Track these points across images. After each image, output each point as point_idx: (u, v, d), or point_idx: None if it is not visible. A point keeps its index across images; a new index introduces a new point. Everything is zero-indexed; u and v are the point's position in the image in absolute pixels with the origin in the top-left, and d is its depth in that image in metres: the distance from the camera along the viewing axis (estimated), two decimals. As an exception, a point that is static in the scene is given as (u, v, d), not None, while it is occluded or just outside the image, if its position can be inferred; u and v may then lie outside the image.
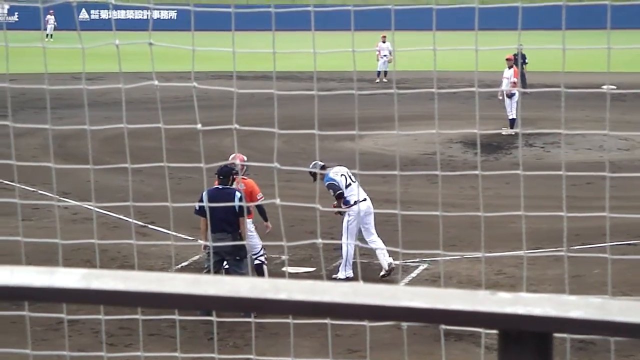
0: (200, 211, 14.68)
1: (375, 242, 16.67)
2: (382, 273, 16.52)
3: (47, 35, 71.67)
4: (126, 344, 12.61)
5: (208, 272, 15.21)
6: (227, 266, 15.25)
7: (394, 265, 16.43)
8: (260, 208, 16.10)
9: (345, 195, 16.59)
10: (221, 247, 14.55)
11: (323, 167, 16.59)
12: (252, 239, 15.99)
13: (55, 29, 72.10)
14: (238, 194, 15.09)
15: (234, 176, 15.31)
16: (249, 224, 15.99)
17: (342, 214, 16.72)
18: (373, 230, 16.87)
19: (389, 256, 16.51)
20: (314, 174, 16.20)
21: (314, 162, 16.63)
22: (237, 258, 15.09)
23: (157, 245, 17.32)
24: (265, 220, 16.12)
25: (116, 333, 12.99)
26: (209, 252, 15.27)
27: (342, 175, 16.75)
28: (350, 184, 16.57)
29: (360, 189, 16.86)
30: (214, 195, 14.90)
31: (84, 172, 21.66)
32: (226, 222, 14.76)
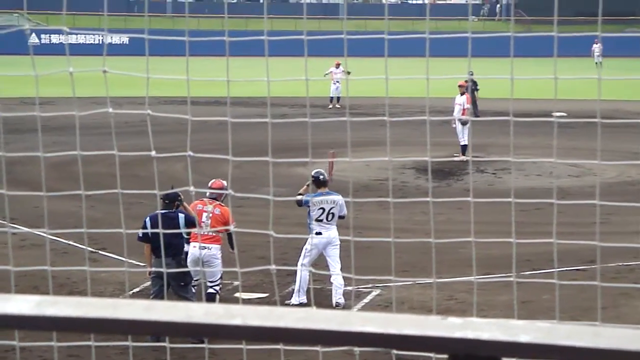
0: (144, 237, 14.79)
1: (335, 276, 16.49)
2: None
3: None
4: (76, 371, 12.50)
5: (154, 298, 15.17)
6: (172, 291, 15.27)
7: (341, 307, 16.37)
8: (230, 237, 16.12)
9: (310, 224, 16.50)
10: (166, 272, 14.56)
11: (325, 180, 16.75)
12: (217, 265, 15.99)
13: None
14: (182, 216, 15.16)
15: (178, 202, 15.43)
16: (217, 250, 16.05)
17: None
18: (336, 263, 16.62)
19: (341, 297, 16.48)
20: (315, 180, 16.51)
21: (317, 170, 16.84)
22: (182, 284, 15.10)
23: (107, 271, 17.22)
24: (232, 248, 16.08)
25: (66, 360, 12.89)
26: (153, 277, 15.28)
27: (320, 208, 16.58)
28: (321, 220, 16.50)
29: (331, 227, 16.67)
30: (157, 220, 14.91)
31: (31, 198, 21.49)
32: (171, 246, 14.73)
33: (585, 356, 1.71)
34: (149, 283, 17.14)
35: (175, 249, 14.91)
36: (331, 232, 16.60)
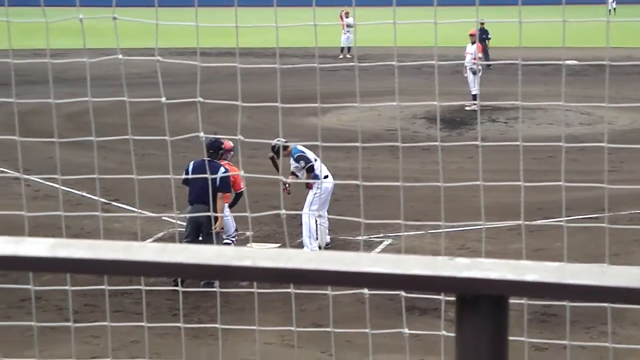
0: (186, 181, 15.09)
1: (324, 219, 16.73)
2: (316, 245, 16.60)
3: None
4: (91, 320, 12.61)
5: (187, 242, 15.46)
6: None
7: (330, 246, 16.64)
8: (236, 199, 16.28)
9: (315, 168, 16.63)
10: (197, 218, 14.87)
11: (285, 147, 16.69)
12: (227, 221, 16.14)
13: None
14: (222, 169, 15.30)
15: (222, 152, 15.62)
16: (225, 209, 16.17)
17: (308, 186, 16.76)
18: (327, 207, 17.00)
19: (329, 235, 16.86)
20: (277, 150, 16.33)
21: (277, 139, 16.75)
22: (210, 231, 15.20)
23: (120, 221, 17.32)
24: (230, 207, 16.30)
25: (81, 310, 13.00)
26: (186, 223, 15.56)
27: (308, 149, 16.84)
28: (316, 159, 16.64)
29: (324, 166, 16.91)
30: (199, 166, 15.23)
31: (45, 148, 21.56)
32: (206, 193, 14.88)
33: (591, 294, 1.73)
34: (162, 234, 17.28)
35: (209, 196, 15.02)
36: (331, 176, 16.85)
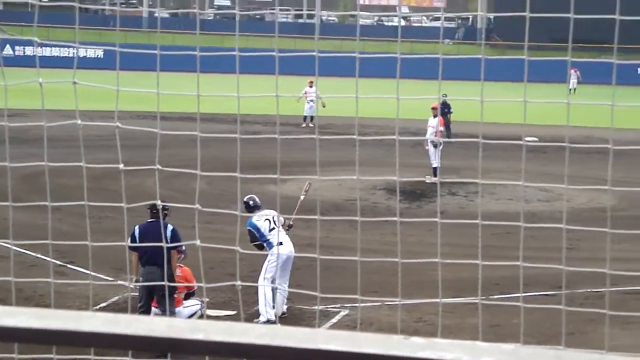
0: (134, 246, 14.99)
1: (284, 287, 16.68)
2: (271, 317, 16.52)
3: None
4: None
5: (142, 306, 15.32)
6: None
7: (286, 315, 16.61)
8: (190, 294, 16.50)
9: (267, 239, 16.60)
10: (151, 280, 14.78)
11: (256, 205, 16.77)
12: (181, 312, 16.17)
13: None
14: (170, 227, 15.21)
15: (165, 212, 15.52)
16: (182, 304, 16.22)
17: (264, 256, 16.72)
18: (287, 277, 16.93)
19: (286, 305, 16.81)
20: (246, 206, 16.54)
21: (249, 195, 16.86)
22: (163, 293, 15.08)
23: (75, 284, 17.11)
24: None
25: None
26: (140, 287, 15.44)
27: (266, 219, 16.77)
28: (273, 228, 16.60)
29: (283, 233, 16.87)
30: (146, 229, 15.13)
31: (0, 210, 21.32)
32: (158, 255, 14.81)
33: (548, 379, 1.71)
34: (116, 298, 17.09)
35: (161, 257, 14.92)
36: (289, 243, 16.76)
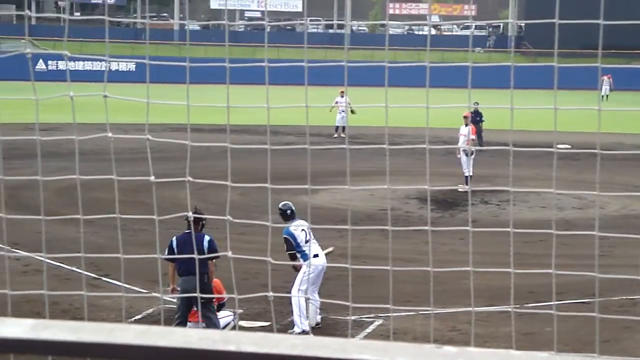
0: (171, 257, 15.13)
1: (316, 297, 16.67)
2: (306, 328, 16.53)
3: None
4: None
5: (180, 316, 15.43)
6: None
7: (320, 325, 16.62)
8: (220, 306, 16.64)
9: (303, 249, 16.60)
10: (189, 290, 14.87)
11: (292, 213, 16.82)
12: (217, 323, 16.24)
13: None
14: (207, 237, 15.28)
15: (202, 222, 15.61)
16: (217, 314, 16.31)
17: (296, 268, 16.71)
18: (318, 287, 16.96)
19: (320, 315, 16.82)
20: (282, 214, 16.61)
21: (285, 203, 16.91)
22: (203, 301, 15.13)
23: (110, 297, 17.19)
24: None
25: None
26: (177, 299, 15.52)
27: (302, 230, 16.78)
28: (309, 240, 16.61)
29: (316, 245, 16.88)
30: (183, 240, 15.25)
31: (35, 223, 21.47)
32: (195, 265, 14.89)
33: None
34: (151, 310, 17.15)
35: (199, 268, 14.99)
36: (323, 255, 16.77)
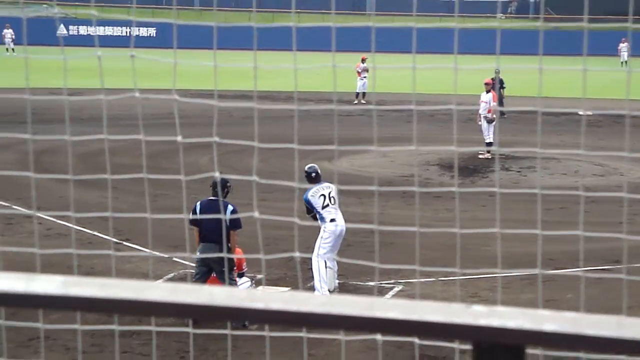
0: (193, 221, 15.12)
1: (334, 262, 16.70)
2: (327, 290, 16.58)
3: (6, 49, 71.88)
4: (99, 360, 12.55)
5: (197, 281, 15.48)
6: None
7: (338, 290, 16.64)
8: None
9: (321, 214, 16.64)
10: (210, 257, 14.90)
11: (317, 175, 16.87)
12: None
13: (14, 42, 72.62)
14: (230, 207, 15.28)
15: (227, 189, 15.61)
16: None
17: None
18: (336, 252, 16.96)
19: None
20: (307, 176, 16.69)
21: (311, 165, 16.96)
22: (222, 269, 15.17)
23: (131, 262, 17.29)
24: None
25: (88, 350, 12.94)
26: (198, 262, 15.57)
27: (321, 195, 16.79)
28: (327, 205, 16.63)
29: (339, 211, 16.87)
30: (206, 206, 15.31)
31: (59, 187, 21.59)
32: (217, 232, 14.90)
33: (609, 346, 1.70)
34: (172, 275, 17.24)
35: (220, 235, 15.00)
36: (342, 220, 16.74)
